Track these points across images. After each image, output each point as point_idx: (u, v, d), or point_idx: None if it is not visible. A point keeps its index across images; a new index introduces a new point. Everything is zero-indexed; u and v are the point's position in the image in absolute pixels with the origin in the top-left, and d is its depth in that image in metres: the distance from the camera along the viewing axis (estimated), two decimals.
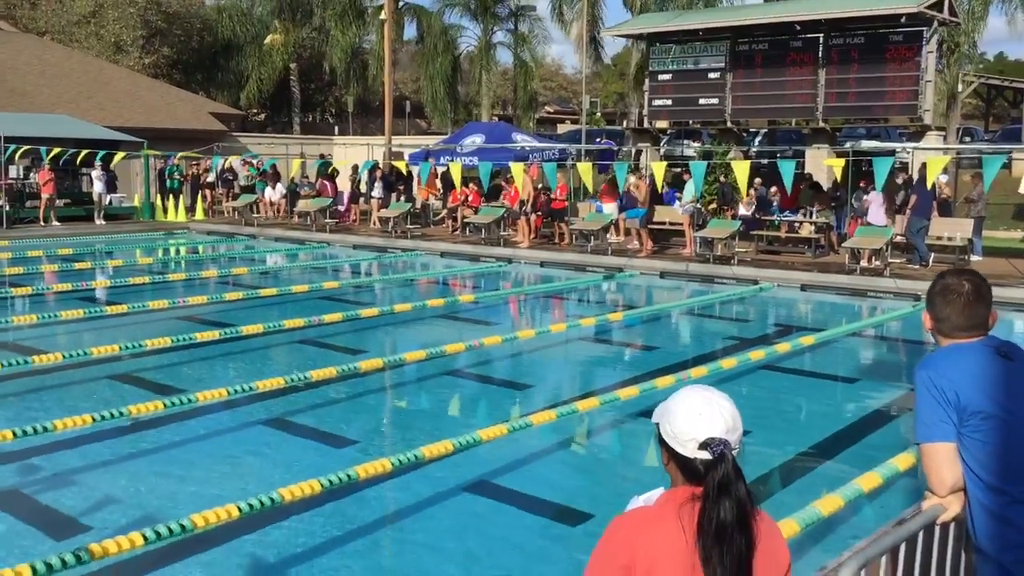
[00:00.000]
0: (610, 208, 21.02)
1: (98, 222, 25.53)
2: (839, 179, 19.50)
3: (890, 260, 16.91)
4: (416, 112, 50.85)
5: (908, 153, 21.41)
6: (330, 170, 27.52)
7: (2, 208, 23.77)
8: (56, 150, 24.08)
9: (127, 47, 42.22)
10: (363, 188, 26.65)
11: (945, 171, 18.71)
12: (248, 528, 5.62)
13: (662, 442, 2.29)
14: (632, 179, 20.54)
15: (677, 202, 21.34)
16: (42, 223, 24.49)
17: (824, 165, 20.81)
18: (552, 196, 21.61)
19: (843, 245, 17.89)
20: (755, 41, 23.12)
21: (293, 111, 48.58)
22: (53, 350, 10.11)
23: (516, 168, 21.60)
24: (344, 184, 27.89)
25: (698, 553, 2.13)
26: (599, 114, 57.54)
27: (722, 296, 15.99)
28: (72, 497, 6.30)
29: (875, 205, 17.92)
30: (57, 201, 25.35)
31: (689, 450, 2.21)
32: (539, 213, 22.11)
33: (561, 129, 50.16)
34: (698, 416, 2.21)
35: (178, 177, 28.05)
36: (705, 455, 2.18)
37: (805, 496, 6.00)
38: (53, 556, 4.59)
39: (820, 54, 22.02)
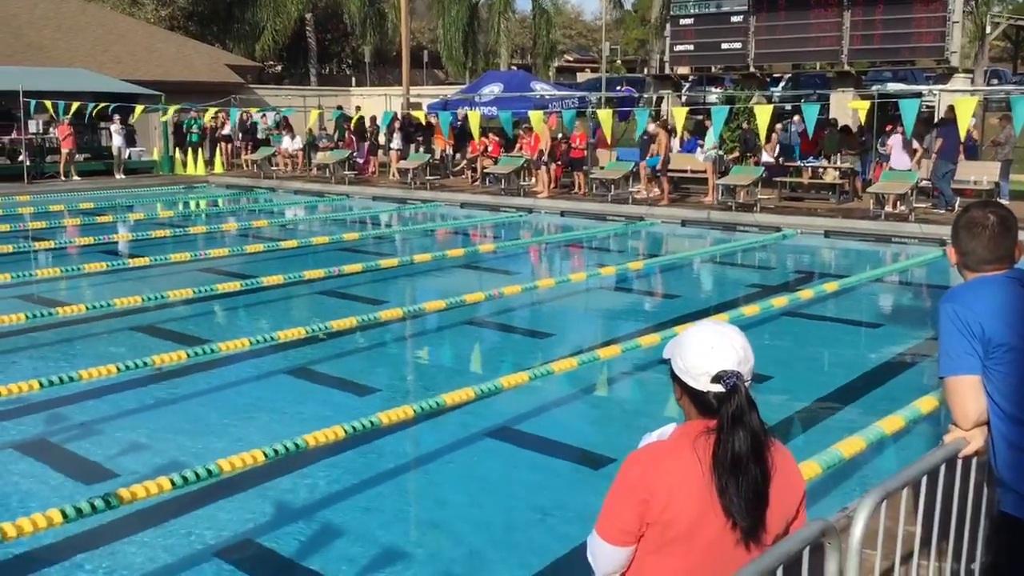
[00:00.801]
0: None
1: (118, 176, 25.59)
2: (863, 123, 19.19)
3: (915, 205, 16.71)
4: (434, 62, 50.35)
5: (935, 96, 21.04)
6: (354, 122, 27.09)
7: (23, 163, 23.87)
8: (75, 105, 24.05)
9: None
10: (382, 140, 26.50)
11: (973, 114, 18.35)
12: (274, 473, 5.69)
13: (675, 377, 2.29)
14: (651, 127, 20.31)
15: (699, 150, 21.11)
16: (62, 178, 24.57)
17: (849, 109, 20.46)
18: (572, 145, 21.41)
19: (867, 190, 17.67)
20: None
21: (310, 62, 48.23)
22: (77, 302, 10.20)
23: (535, 117, 21.41)
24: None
25: (714, 484, 2.14)
26: (619, 61, 56.83)
27: (744, 244, 15.88)
28: (99, 445, 6.40)
29: (896, 149, 17.65)
30: (77, 156, 25.40)
31: (702, 384, 2.21)
32: (559, 163, 21.95)
33: (581, 78, 49.60)
34: (710, 349, 2.21)
35: (196, 130, 27.97)
36: (718, 388, 2.18)
37: (827, 439, 5.99)
38: (83, 501, 4.67)
39: None
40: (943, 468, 2.92)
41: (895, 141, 17.66)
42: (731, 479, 2.13)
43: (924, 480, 2.83)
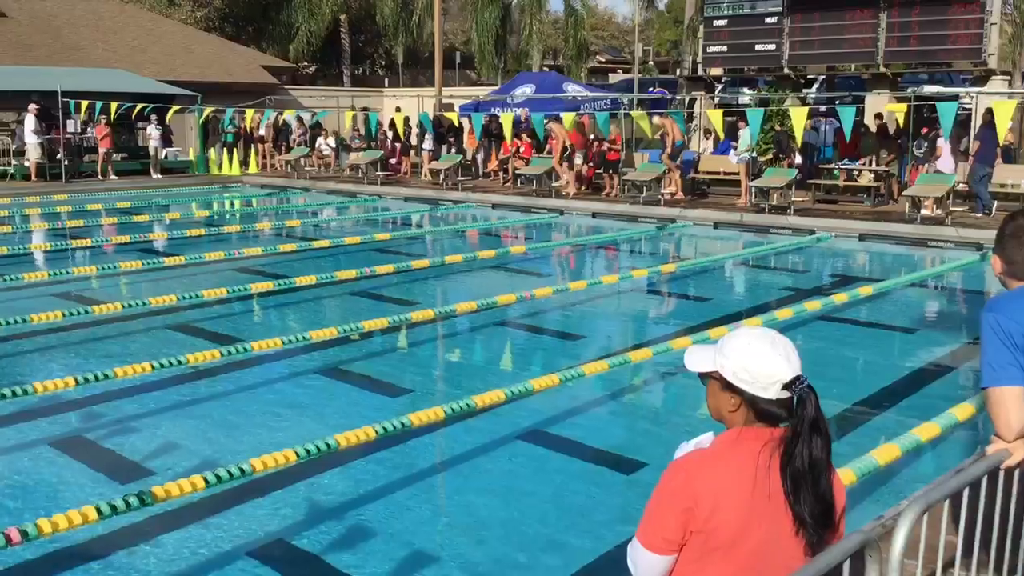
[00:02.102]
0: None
1: (154, 176, 25.87)
2: (901, 125, 18.99)
3: (952, 208, 16.49)
4: (466, 63, 50.47)
5: (971, 98, 20.76)
6: (400, 123, 26.98)
7: (61, 162, 24.18)
8: (114, 105, 24.31)
9: (179, 0, 42.39)
10: (413, 140, 26.58)
11: (1012, 118, 18.10)
12: (305, 473, 5.71)
13: (730, 387, 2.24)
14: (656, 119, 20.26)
15: (732, 152, 20.97)
16: (100, 177, 24.87)
17: (885, 111, 20.25)
18: (610, 146, 21.28)
19: (904, 193, 17.47)
20: None
21: (343, 63, 48.47)
22: (113, 300, 10.31)
23: (567, 118, 21.40)
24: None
25: (787, 491, 2.13)
26: (652, 63, 56.64)
27: (777, 246, 15.75)
28: (134, 442, 6.45)
29: (945, 152, 17.48)
30: (114, 155, 25.69)
31: (771, 392, 2.19)
32: (591, 164, 21.90)
33: (613, 79, 49.46)
34: (777, 357, 2.20)
35: (231, 130, 28.21)
36: (786, 395, 2.17)
37: (862, 446, 5.92)
38: (117, 498, 4.71)
39: None
40: (985, 479, 2.87)
41: (944, 144, 17.48)
42: (807, 485, 2.13)
43: (966, 491, 2.78)
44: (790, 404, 2.18)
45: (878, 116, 20.12)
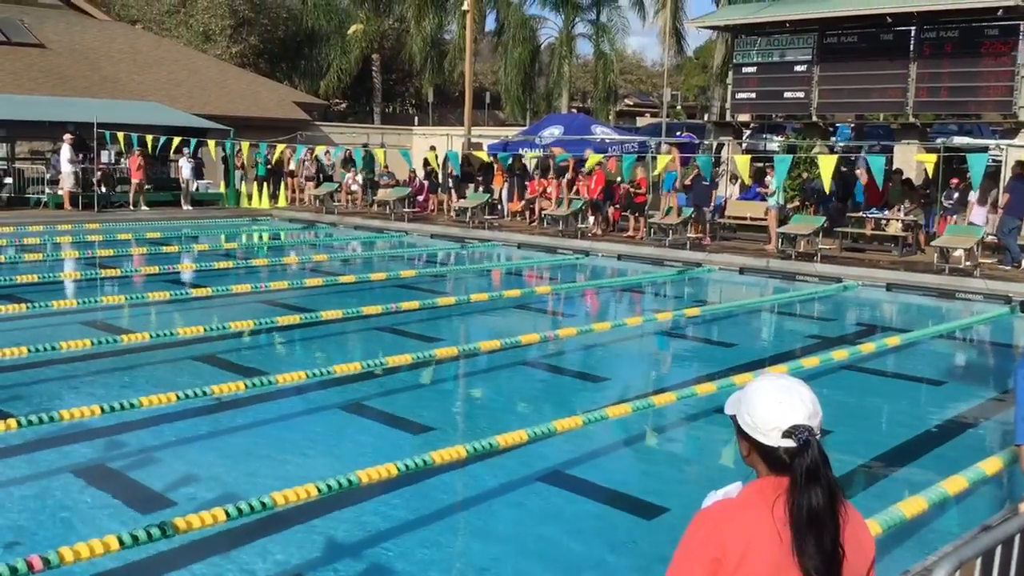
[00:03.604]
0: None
1: (185, 207, 26.17)
2: (931, 175, 18.94)
3: (980, 260, 16.37)
4: (495, 103, 50.93)
5: (1001, 150, 20.67)
6: (433, 161, 27.24)
7: (94, 192, 24.52)
8: (149, 138, 24.68)
9: (215, 36, 43.14)
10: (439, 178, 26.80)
11: None
12: (326, 508, 5.70)
13: (742, 434, 2.25)
14: (664, 147, 20.41)
15: (759, 194, 20.98)
16: (131, 207, 25.19)
17: (914, 161, 20.22)
18: (635, 190, 21.37)
19: (932, 244, 17.37)
20: (844, 34, 22.58)
21: (374, 101, 49.06)
22: (141, 330, 10.40)
23: (593, 158, 21.55)
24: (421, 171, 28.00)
25: (792, 543, 2.09)
26: (679, 107, 56.91)
27: (803, 294, 15.67)
28: (156, 472, 6.47)
29: (977, 205, 17.45)
30: (146, 186, 26.02)
31: (772, 439, 2.17)
32: (617, 206, 21.94)
33: (641, 122, 49.70)
34: (779, 404, 2.18)
35: (260, 162, 28.47)
36: (789, 443, 2.15)
37: (887, 498, 5.85)
38: (139, 528, 4.72)
39: (911, 47, 21.39)
40: (1018, 538, 2.82)
41: (976, 197, 17.49)
42: (809, 537, 2.09)
43: (999, 549, 2.74)
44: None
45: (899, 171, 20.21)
